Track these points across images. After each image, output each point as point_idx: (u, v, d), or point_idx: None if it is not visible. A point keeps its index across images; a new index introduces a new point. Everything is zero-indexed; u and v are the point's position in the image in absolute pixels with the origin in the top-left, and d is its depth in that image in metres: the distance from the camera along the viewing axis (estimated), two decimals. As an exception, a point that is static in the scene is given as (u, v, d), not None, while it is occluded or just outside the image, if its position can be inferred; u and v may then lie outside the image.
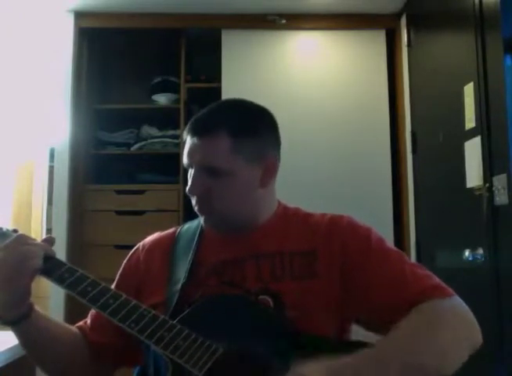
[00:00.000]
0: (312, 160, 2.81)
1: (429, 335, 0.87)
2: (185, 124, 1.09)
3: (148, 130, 3.06)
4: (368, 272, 0.99)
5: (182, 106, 2.94)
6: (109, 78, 3.23)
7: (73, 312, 2.52)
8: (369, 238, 1.04)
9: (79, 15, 2.87)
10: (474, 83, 1.92)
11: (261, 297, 0.98)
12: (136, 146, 3.01)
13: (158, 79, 3.07)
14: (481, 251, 1.85)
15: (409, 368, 0.84)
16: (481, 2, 1.87)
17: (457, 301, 0.96)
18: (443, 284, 0.97)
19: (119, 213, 2.83)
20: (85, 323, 1.12)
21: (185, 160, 1.06)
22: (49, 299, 2.54)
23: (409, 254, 2.63)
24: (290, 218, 1.11)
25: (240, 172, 1.02)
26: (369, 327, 1.01)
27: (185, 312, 0.94)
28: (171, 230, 1.18)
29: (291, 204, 1.16)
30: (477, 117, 1.90)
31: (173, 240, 1.14)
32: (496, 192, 1.75)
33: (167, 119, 3.06)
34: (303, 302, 0.97)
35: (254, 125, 1.07)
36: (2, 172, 2.57)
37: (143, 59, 3.25)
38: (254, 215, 1.08)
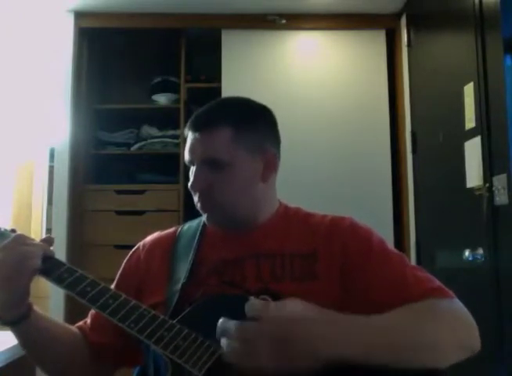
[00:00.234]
0: (312, 160, 2.81)
1: (414, 323, 0.86)
2: (185, 124, 1.09)
3: (148, 130, 3.06)
4: (368, 274, 0.98)
5: (182, 106, 2.94)
6: (109, 78, 3.23)
7: (73, 312, 2.52)
8: (370, 240, 1.03)
9: (79, 15, 2.87)
10: (474, 83, 1.92)
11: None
12: (136, 146, 3.01)
13: (158, 79, 3.07)
14: (481, 251, 1.85)
15: (377, 346, 0.81)
16: (481, 2, 1.87)
17: (457, 304, 0.95)
18: (444, 287, 0.96)
19: (119, 213, 2.83)
20: (85, 323, 1.12)
21: (186, 157, 1.06)
22: (49, 299, 2.54)
23: (409, 255, 2.63)
24: (290, 218, 1.11)
25: (241, 164, 1.03)
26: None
27: (185, 311, 0.93)
28: (171, 230, 1.18)
29: (292, 204, 1.16)
30: (477, 117, 1.90)
31: (174, 239, 1.14)
32: (496, 192, 1.75)
33: (167, 119, 3.06)
34: (303, 303, 0.97)
35: (254, 120, 1.07)
36: (2, 172, 2.57)
37: (143, 59, 3.25)
38: (255, 212, 1.08)
